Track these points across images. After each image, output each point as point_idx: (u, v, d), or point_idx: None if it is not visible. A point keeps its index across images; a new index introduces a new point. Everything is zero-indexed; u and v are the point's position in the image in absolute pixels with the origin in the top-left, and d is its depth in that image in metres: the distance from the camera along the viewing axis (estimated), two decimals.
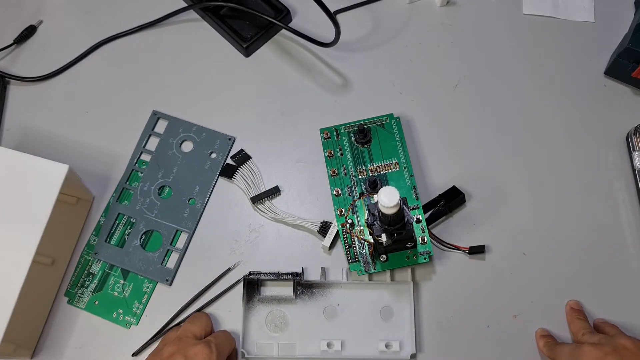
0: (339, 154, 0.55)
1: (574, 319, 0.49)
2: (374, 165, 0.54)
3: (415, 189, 0.53)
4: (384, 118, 0.56)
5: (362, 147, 0.55)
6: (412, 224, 0.47)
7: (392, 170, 0.54)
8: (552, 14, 0.63)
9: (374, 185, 0.51)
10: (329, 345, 0.49)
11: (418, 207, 0.52)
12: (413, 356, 0.49)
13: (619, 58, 0.57)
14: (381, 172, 0.54)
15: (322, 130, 0.56)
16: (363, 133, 0.54)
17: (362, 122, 0.55)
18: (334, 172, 0.54)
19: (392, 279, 0.51)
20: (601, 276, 0.52)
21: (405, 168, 0.53)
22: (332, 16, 0.55)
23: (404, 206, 0.45)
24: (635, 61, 0.56)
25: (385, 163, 0.54)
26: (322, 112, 0.59)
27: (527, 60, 0.61)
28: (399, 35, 0.63)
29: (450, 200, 0.53)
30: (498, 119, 0.58)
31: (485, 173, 0.56)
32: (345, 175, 0.54)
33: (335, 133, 0.55)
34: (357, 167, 0.54)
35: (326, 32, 0.59)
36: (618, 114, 0.58)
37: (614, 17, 0.62)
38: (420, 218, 0.51)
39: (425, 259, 0.50)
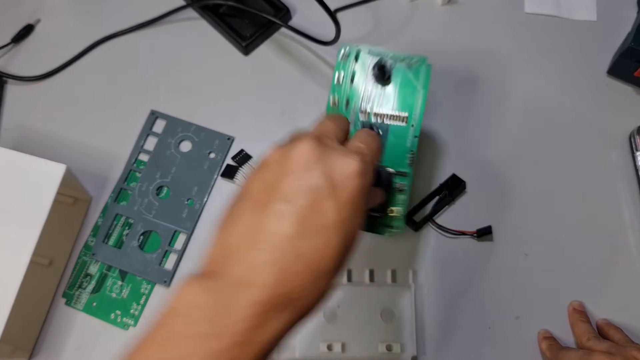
0: (348, 83, 0.47)
1: (577, 321, 0.48)
2: (382, 109, 0.46)
3: (413, 153, 0.46)
4: (415, 59, 0.46)
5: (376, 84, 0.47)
6: (390, 181, 0.42)
7: (398, 123, 0.46)
8: (554, 12, 0.62)
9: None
10: (329, 347, 0.49)
11: (406, 175, 0.45)
12: (414, 358, 0.49)
13: (622, 57, 0.56)
14: (384, 122, 0.46)
15: (343, 47, 0.47)
16: (382, 71, 0.46)
17: (389, 55, 0.47)
18: (335, 101, 0.47)
19: (393, 280, 0.51)
20: (604, 277, 0.51)
21: (412, 126, 0.45)
22: (332, 14, 0.54)
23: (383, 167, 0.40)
24: (637, 60, 0.55)
25: (394, 113, 0.46)
26: (322, 111, 0.58)
27: (529, 59, 0.60)
28: (399, 34, 0.62)
29: (453, 190, 0.53)
30: (499, 118, 0.58)
31: (486, 173, 0.56)
32: (346, 109, 0.46)
33: (355, 56, 0.47)
34: (362, 105, 0.46)
35: (326, 30, 0.58)
36: (621, 114, 0.57)
37: (616, 16, 0.62)
38: (405, 188, 0.45)
39: (389, 233, 0.45)
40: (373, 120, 0.46)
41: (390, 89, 0.46)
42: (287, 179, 0.28)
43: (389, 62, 0.46)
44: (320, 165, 0.28)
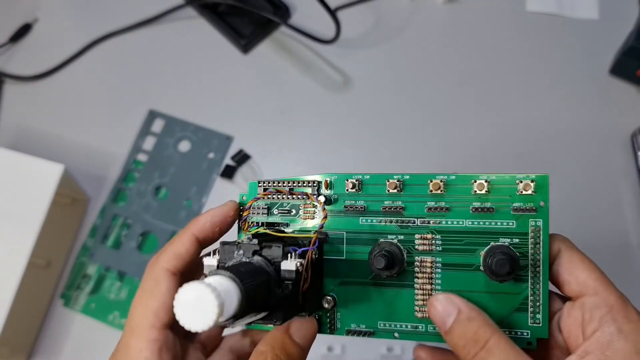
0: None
1: None
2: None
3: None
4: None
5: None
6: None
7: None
8: (556, 11, 0.62)
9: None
10: (329, 349, 0.48)
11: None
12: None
13: (624, 56, 0.56)
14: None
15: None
16: (511, 264, 0.29)
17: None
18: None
19: None
20: None
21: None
22: (332, 13, 0.54)
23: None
24: None
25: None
26: (322, 110, 0.58)
27: (531, 58, 0.60)
28: (400, 32, 0.62)
29: None
30: (501, 116, 0.57)
31: None
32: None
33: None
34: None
35: (326, 29, 0.58)
36: (623, 113, 0.57)
37: (618, 14, 0.61)
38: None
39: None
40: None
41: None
42: None
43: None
44: None
